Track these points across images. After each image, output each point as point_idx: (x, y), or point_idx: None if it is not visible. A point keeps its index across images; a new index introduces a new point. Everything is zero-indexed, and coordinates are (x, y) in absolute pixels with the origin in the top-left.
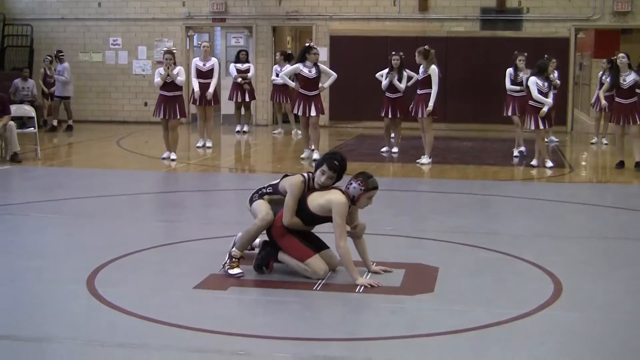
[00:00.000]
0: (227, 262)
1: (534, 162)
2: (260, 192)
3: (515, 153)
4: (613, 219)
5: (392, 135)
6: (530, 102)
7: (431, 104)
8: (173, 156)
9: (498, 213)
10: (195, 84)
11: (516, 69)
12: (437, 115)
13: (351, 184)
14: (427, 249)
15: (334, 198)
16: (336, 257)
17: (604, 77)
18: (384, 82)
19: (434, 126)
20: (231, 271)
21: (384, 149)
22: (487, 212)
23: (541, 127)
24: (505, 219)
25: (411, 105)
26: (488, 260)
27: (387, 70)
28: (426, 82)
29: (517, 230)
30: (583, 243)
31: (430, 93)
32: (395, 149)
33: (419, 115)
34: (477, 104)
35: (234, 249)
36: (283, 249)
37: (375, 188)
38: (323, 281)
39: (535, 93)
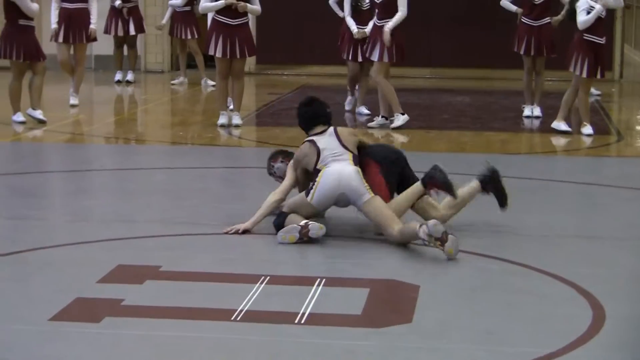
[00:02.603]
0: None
1: (556, 124)
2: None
3: (526, 112)
4: None
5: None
6: (587, 35)
7: (388, 28)
8: (39, 115)
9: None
10: (54, 12)
11: None
12: (393, 56)
13: (273, 166)
14: (405, 257)
15: None
16: None
17: None
18: (346, 8)
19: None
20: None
21: (348, 102)
22: (492, 202)
23: (584, 74)
24: (520, 211)
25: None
26: (492, 274)
27: None
28: (389, 6)
29: (536, 228)
30: (636, 248)
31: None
32: (363, 109)
33: (374, 56)
34: (477, 40)
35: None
36: None
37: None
38: (246, 308)
39: (585, 17)
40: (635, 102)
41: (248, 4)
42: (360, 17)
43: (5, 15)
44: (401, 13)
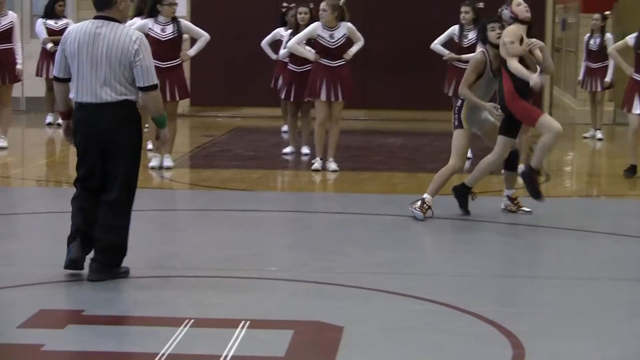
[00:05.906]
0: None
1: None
2: None
3: None
4: (607, 252)
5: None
6: None
7: (352, 52)
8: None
9: (437, 243)
10: None
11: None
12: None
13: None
14: (330, 298)
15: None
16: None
17: (591, 42)
18: (288, 45)
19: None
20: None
21: (287, 150)
22: (421, 243)
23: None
24: (448, 252)
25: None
26: (418, 315)
27: (281, 31)
28: (342, 49)
29: (463, 268)
30: (560, 286)
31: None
32: (305, 149)
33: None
34: (410, 83)
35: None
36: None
37: None
38: (169, 351)
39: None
40: (563, 143)
41: (192, 50)
42: (295, 56)
43: None
44: (362, 41)
